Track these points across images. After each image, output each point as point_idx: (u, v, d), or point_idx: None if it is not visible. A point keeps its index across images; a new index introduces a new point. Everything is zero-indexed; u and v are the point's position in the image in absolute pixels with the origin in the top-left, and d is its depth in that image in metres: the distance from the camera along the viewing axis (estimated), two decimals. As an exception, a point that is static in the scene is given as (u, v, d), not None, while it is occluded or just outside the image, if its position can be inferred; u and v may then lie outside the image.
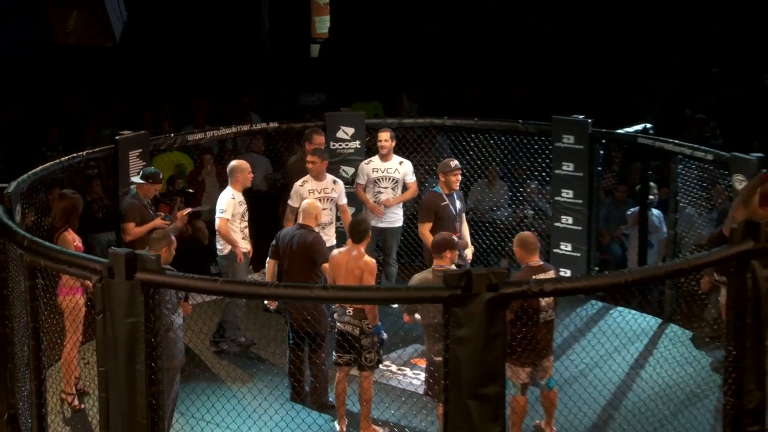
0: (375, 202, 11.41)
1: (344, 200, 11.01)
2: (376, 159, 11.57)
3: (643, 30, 18.75)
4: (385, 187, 11.41)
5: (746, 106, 17.02)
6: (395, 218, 11.49)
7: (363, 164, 11.64)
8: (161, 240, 8.49)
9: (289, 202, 10.90)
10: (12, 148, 15.22)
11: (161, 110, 16.27)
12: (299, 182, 10.84)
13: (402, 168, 11.52)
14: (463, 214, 11.02)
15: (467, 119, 12.53)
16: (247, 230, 10.50)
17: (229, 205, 10.27)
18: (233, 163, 10.66)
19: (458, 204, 10.75)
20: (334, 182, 10.95)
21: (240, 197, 10.42)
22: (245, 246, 10.46)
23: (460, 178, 10.77)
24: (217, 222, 10.27)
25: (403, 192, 11.59)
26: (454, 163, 10.81)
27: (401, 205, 11.64)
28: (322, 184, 10.81)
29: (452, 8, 19.27)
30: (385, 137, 11.47)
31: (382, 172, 11.46)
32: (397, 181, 11.46)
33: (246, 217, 10.50)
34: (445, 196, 10.65)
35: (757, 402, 7.90)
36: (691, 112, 16.59)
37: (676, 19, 18.82)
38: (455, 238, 9.03)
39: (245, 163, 10.67)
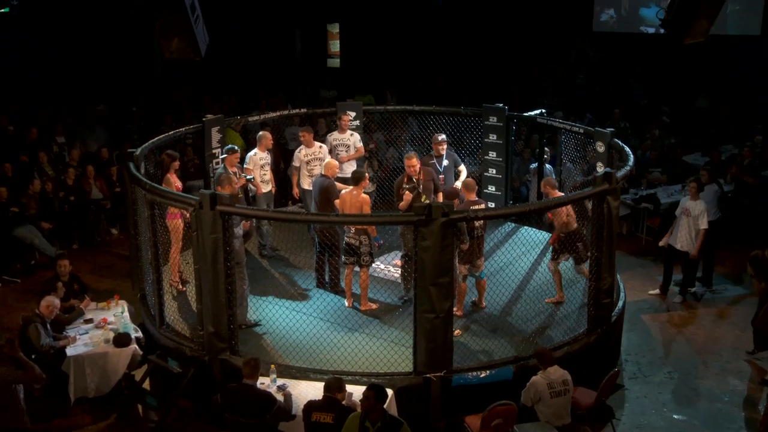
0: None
1: (329, 157, 10.41)
2: (335, 133, 11.08)
3: (544, 52, 18.63)
4: (341, 151, 10.95)
5: (601, 100, 16.97)
6: (348, 170, 10.59)
7: (328, 137, 11.14)
8: (225, 182, 8.57)
9: (293, 162, 10.73)
10: (140, 127, 15.01)
11: (230, 101, 16.15)
12: (298, 150, 10.62)
13: (352, 138, 11.06)
14: (459, 168, 10.44)
15: (428, 106, 12.41)
16: (267, 176, 10.25)
17: (251, 160, 10.13)
18: (261, 132, 10.42)
19: (445, 162, 10.28)
20: (320, 147, 10.63)
21: (262, 154, 10.19)
22: (265, 187, 10.26)
23: (443, 147, 10.27)
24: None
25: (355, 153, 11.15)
26: (441, 137, 10.37)
27: (354, 161, 11.09)
28: (312, 149, 10.51)
29: (418, 33, 19.07)
30: (346, 119, 11.10)
31: (339, 141, 10.97)
32: (349, 146, 11.00)
33: (266, 168, 10.26)
34: (434, 158, 10.28)
35: (609, 284, 8.04)
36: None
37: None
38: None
39: (268, 134, 10.45)
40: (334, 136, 11.05)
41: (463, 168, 10.52)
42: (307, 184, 10.52)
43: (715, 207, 10.58)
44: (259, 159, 10.21)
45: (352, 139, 11.07)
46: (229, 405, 6.56)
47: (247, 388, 6.60)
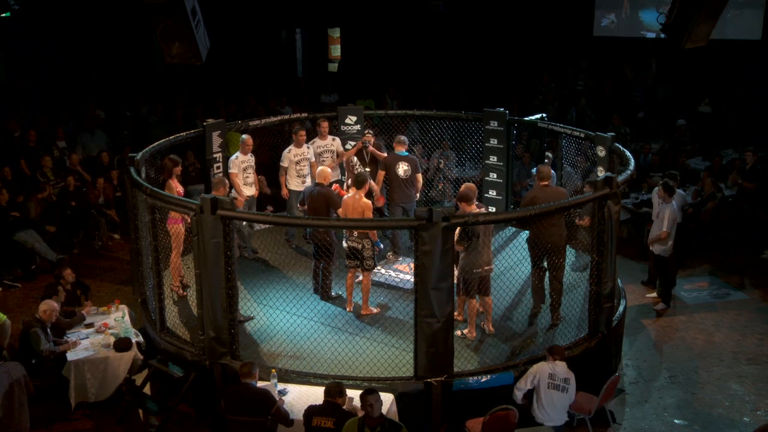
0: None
1: (313, 159, 10.62)
2: (317, 140, 10.97)
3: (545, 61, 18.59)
4: (328, 157, 10.90)
5: (601, 105, 16.95)
6: (335, 177, 10.76)
7: (310, 144, 10.92)
8: (218, 184, 8.66)
9: (281, 163, 10.62)
10: (134, 132, 15.00)
11: (231, 107, 16.13)
12: (287, 149, 10.57)
13: (335, 143, 11.02)
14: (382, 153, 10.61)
15: (429, 110, 12.41)
16: (248, 179, 10.24)
17: (234, 164, 10.16)
18: (243, 136, 10.42)
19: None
20: (308, 147, 10.63)
21: (243, 158, 10.21)
22: (248, 190, 10.24)
23: (366, 139, 10.57)
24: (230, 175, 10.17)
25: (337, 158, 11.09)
26: (367, 131, 10.83)
27: (337, 166, 11.01)
28: (302, 149, 10.52)
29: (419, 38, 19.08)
30: (325, 125, 11.02)
31: (324, 148, 10.91)
32: (333, 152, 10.98)
33: (248, 171, 10.25)
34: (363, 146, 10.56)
35: (610, 288, 8.02)
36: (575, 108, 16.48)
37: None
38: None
39: (250, 138, 10.44)
40: (318, 143, 10.96)
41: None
42: (294, 185, 10.52)
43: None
44: (240, 162, 10.20)
45: (335, 144, 11.05)
46: (230, 406, 6.56)
47: (246, 386, 6.62)
